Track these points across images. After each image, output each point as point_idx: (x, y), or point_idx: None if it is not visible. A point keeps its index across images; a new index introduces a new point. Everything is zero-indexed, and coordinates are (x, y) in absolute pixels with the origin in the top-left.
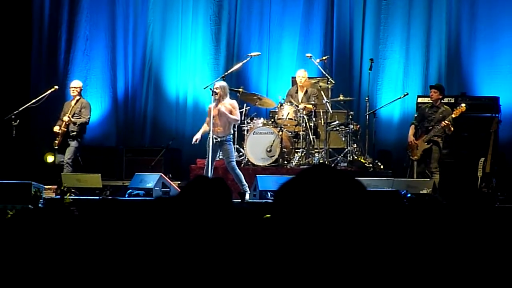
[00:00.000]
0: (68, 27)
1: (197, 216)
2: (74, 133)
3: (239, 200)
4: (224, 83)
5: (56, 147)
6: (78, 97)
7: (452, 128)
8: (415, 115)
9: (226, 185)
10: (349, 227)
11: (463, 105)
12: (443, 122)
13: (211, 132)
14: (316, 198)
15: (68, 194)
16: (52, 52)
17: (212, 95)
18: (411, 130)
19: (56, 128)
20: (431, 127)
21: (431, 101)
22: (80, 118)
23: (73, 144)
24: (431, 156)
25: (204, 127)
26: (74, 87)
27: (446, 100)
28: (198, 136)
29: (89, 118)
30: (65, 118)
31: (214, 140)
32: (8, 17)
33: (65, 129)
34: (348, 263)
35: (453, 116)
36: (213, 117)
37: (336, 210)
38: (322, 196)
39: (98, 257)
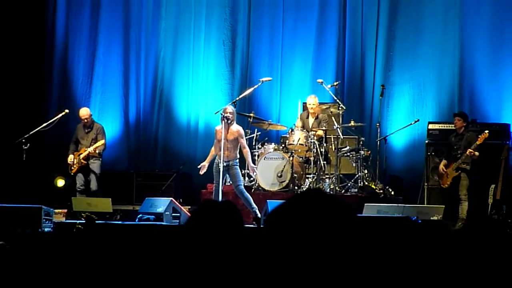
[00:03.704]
0: (85, 52)
1: (208, 242)
2: (95, 163)
3: (255, 225)
4: (233, 108)
5: (72, 174)
6: (91, 123)
7: (477, 153)
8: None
9: (235, 208)
10: (337, 252)
11: (486, 131)
12: (468, 149)
13: (221, 157)
14: (306, 224)
15: (78, 224)
16: (69, 77)
17: (222, 119)
18: (443, 161)
19: (70, 158)
20: (459, 155)
21: (455, 129)
22: (98, 146)
23: (95, 171)
24: (460, 183)
25: (212, 152)
26: (84, 117)
27: None
28: (205, 163)
29: (105, 143)
30: (89, 150)
31: (221, 165)
32: (25, 44)
33: (85, 162)
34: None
35: (477, 143)
36: (220, 141)
37: (325, 235)
38: (311, 222)
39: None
